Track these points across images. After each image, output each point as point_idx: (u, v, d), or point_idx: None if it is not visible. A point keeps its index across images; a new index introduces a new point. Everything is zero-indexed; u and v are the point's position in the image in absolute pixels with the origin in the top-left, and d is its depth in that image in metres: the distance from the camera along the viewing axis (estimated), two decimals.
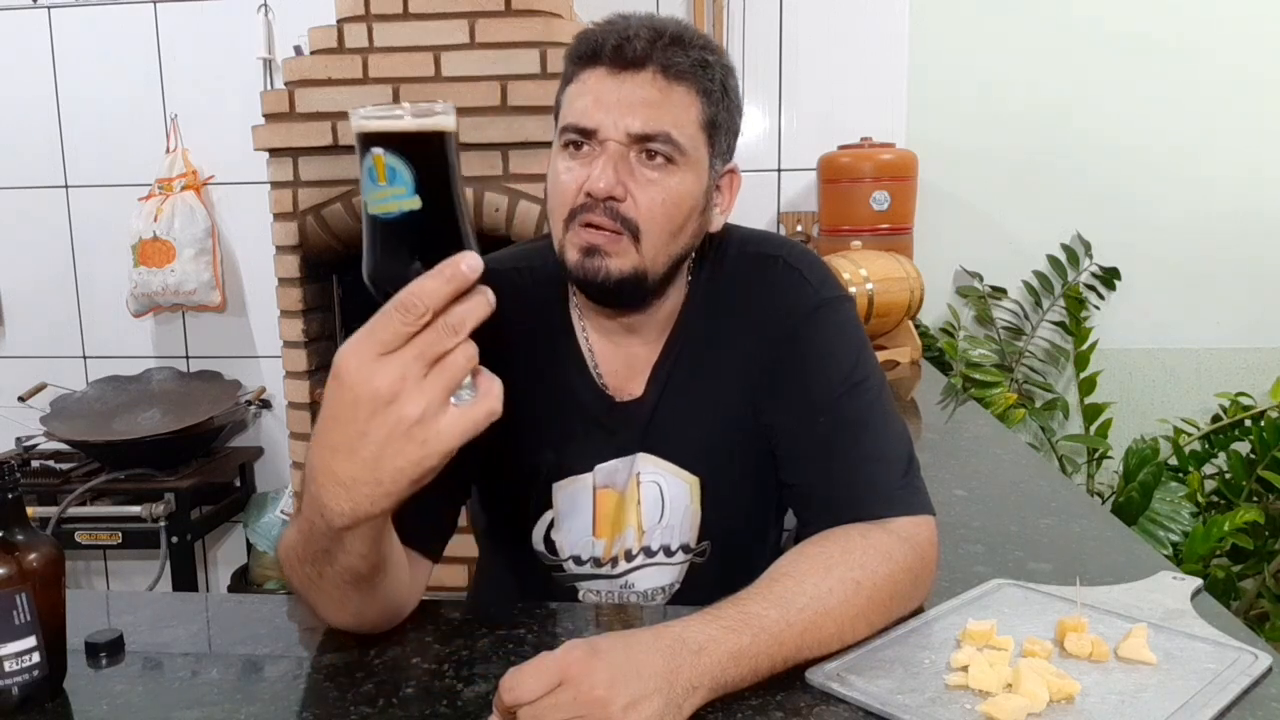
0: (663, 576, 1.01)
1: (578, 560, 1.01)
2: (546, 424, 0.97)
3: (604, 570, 1.01)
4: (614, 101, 0.85)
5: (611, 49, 0.85)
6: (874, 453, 0.89)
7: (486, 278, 0.58)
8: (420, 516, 0.54)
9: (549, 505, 0.99)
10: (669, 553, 1.00)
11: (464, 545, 2.22)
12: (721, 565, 1.00)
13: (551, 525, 1.00)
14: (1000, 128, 2.68)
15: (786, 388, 0.94)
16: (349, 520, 0.62)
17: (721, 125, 0.90)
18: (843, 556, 0.79)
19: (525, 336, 0.97)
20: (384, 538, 0.72)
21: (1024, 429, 2.64)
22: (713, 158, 0.91)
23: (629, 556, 1.00)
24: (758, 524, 1.04)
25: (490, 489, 1.03)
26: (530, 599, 1.00)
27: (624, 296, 0.91)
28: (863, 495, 0.87)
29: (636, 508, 0.99)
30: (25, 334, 2.91)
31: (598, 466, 0.98)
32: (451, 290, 0.57)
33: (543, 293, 0.99)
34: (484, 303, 0.58)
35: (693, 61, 0.86)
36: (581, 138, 0.87)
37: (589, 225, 0.86)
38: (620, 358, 0.98)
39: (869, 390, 0.92)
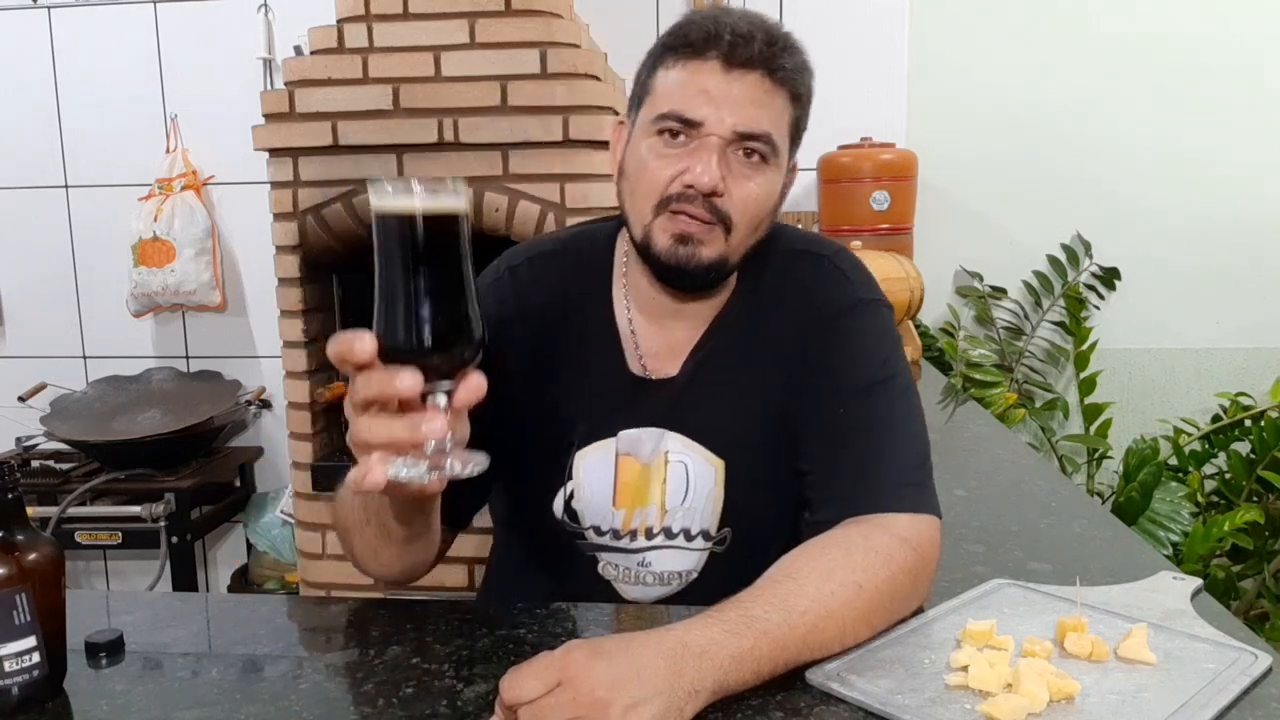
0: (681, 562, 1.02)
1: (598, 531, 1.02)
2: (578, 395, 0.99)
3: (623, 544, 1.01)
4: (723, 97, 0.87)
5: (727, 45, 0.87)
6: (887, 450, 0.89)
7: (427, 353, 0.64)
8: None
9: (571, 475, 1.00)
10: (689, 536, 1.01)
11: (464, 545, 2.21)
12: (742, 557, 1.00)
13: (572, 496, 1.01)
14: (1000, 127, 2.68)
15: (813, 378, 0.95)
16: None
17: (803, 128, 0.95)
18: (844, 559, 0.79)
19: (564, 313, 1.00)
20: (426, 518, 0.84)
21: (1024, 429, 2.64)
22: (790, 157, 0.95)
23: (649, 534, 1.01)
24: (781, 517, 1.03)
25: (515, 460, 1.03)
26: (550, 575, 1.03)
27: (704, 282, 0.94)
28: (869, 489, 0.87)
29: (662, 485, 0.99)
30: (25, 334, 2.91)
31: (621, 432, 0.99)
32: (340, 356, 0.64)
33: (586, 272, 1.02)
34: (380, 382, 0.63)
35: (794, 66, 0.90)
36: (682, 127, 0.89)
37: (683, 214, 0.89)
38: (662, 339, 1.00)
39: (892, 390, 0.93)
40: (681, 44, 0.90)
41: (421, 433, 0.64)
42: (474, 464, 0.67)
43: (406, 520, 0.82)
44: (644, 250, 0.93)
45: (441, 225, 0.64)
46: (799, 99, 0.92)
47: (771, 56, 0.88)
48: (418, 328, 0.64)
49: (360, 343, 0.63)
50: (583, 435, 1.00)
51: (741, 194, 0.89)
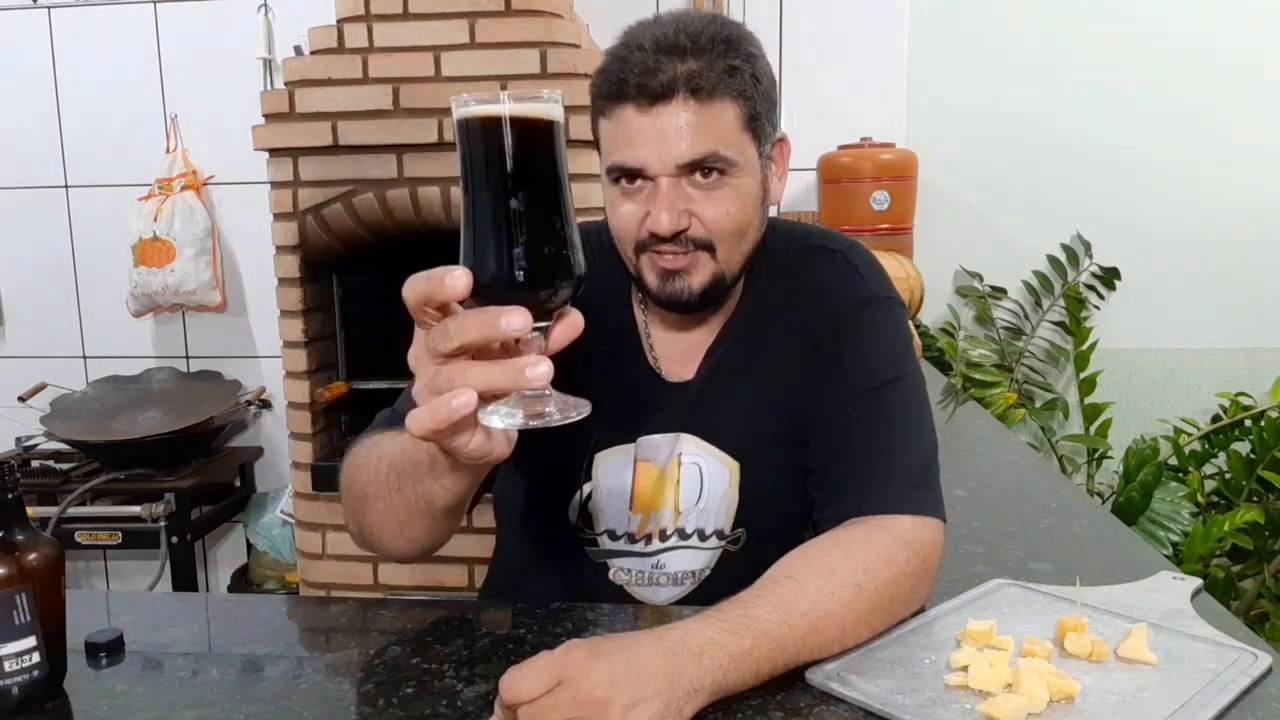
0: (694, 561, 1.02)
1: (612, 535, 1.02)
2: (598, 396, 0.97)
3: (637, 547, 1.01)
4: (653, 137, 0.85)
5: (635, 87, 0.85)
6: (892, 449, 0.89)
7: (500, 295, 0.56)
8: None
9: (589, 477, 1.00)
10: (702, 537, 1.01)
11: (464, 545, 2.21)
12: (755, 555, 1.00)
13: (589, 498, 1.01)
14: (1000, 128, 2.68)
15: (824, 375, 0.94)
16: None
17: (761, 114, 0.90)
18: (845, 560, 0.79)
19: (586, 311, 0.98)
20: (474, 484, 0.75)
21: (1024, 429, 2.64)
22: (760, 147, 0.91)
23: (663, 536, 1.01)
24: (795, 517, 1.02)
25: (531, 459, 1.03)
26: (558, 580, 1.02)
27: (707, 304, 0.94)
28: (873, 490, 0.87)
29: (675, 487, 0.99)
30: (25, 334, 2.91)
31: (640, 439, 0.99)
32: (427, 296, 0.57)
33: (607, 271, 1.00)
34: (482, 325, 0.56)
35: (720, 72, 0.85)
36: (629, 175, 0.88)
37: (661, 253, 0.89)
38: (677, 343, 1.00)
39: (901, 389, 0.92)
40: (599, 94, 0.89)
41: (526, 378, 0.56)
42: (577, 410, 0.59)
43: (453, 486, 0.73)
44: (640, 285, 0.94)
45: (537, 133, 0.56)
46: (743, 93, 0.87)
47: (689, 76, 0.84)
48: (519, 259, 0.55)
49: (453, 278, 0.55)
50: (601, 437, 0.99)
51: (712, 215, 0.88)
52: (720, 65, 0.85)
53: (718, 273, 0.91)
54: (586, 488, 1.01)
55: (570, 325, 0.61)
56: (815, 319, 0.96)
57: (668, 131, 0.85)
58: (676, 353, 1.01)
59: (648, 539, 1.01)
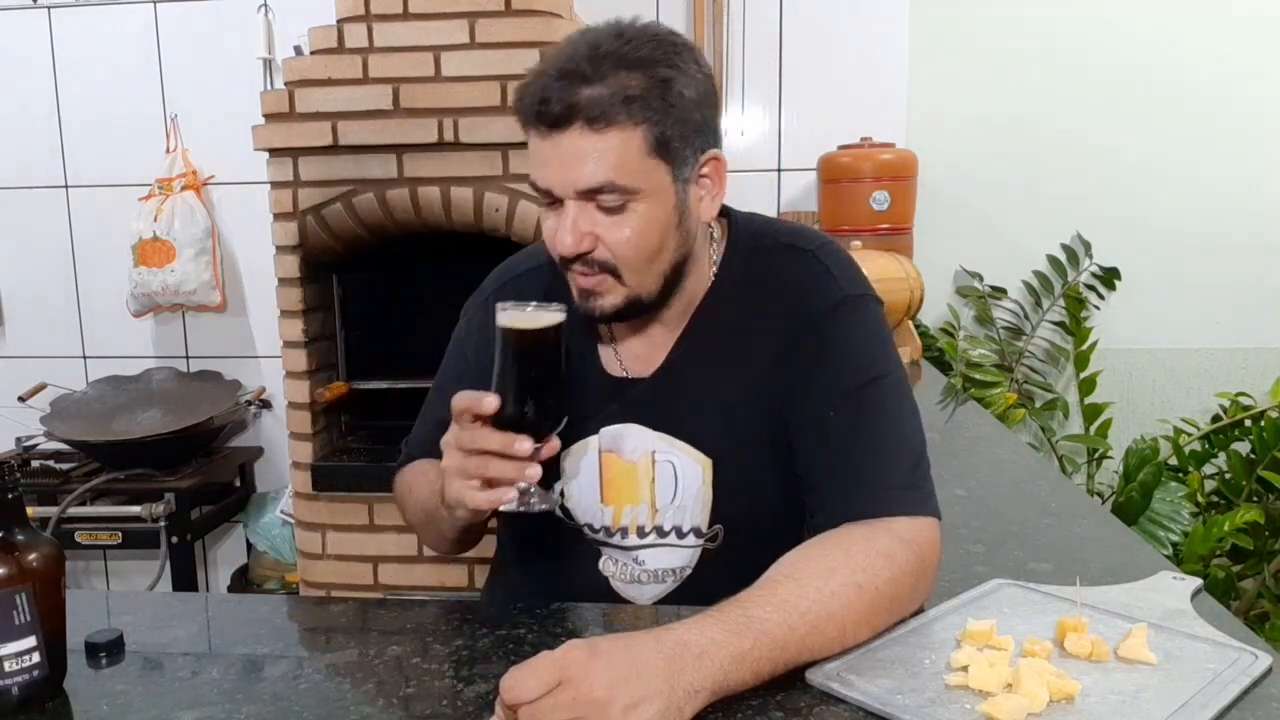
0: (674, 559, 1.02)
1: (590, 529, 1.03)
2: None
3: (615, 540, 1.02)
4: (554, 161, 0.87)
5: (536, 114, 0.86)
6: (882, 449, 0.89)
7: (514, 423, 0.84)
8: None
9: (558, 476, 1.02)
10: (680, 534, 1.01)
11: None
12: (735, 553, 1.00)
13: (563, 494, 1.02)
14: (1000, 127, 2.68)
15: (803, 379, 0.94)
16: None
17: (674, 137, 0.87)
18: (845, 560, 0.79)
19: None
20: (465, 524, 0.96)
21: (1024, 429, 2.64)
22: (675, 170, 0.89)
23: (641, 533, 1.02)
24: (773, 514, 1.02)
25: None
26: (552, 571, 1.05)
27: (627, 318, 0.96)
28: (866, 492, 0.87)
29: (651, 485, 1.00)
30: (25, 334, 2.91)
31: (602, 429, 1.01)
32: (466, 407, 0.84)
33: (566, 284, 1.00)
34: (502, 443, 0.83)
35: (620, 101, 0.84)
36: (544, 196, 0.91)
37: (573, 272, 0.93)
38: (640, 340, 1.02)
39: (885, 388, 0.92)
40: (516, 113, 0.90)
41: (525, 475, 0.84)
42: (548, 503, 0.88)
43: (452, 524, 0.95)
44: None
45: (544, 337, 0.84)
46: (648, 119, 0.85)
47: (587, 103, 0.83)
48: (528, 406, 0.84)
49: (488, 402, 0.82)
50: (565, 434, 0.99)
51: (614, 239, 0.89)
52: (621, 93, 0.84)
53: (630, 294, 0.92)
54: (558, 486, 1.02)
55: (552, 447, 0.87)
56: (789, 320, 0.96)
57: (566, 158, 0.86)
58: (643, 350, 1.02)
59: (624, 533, 1.02)
